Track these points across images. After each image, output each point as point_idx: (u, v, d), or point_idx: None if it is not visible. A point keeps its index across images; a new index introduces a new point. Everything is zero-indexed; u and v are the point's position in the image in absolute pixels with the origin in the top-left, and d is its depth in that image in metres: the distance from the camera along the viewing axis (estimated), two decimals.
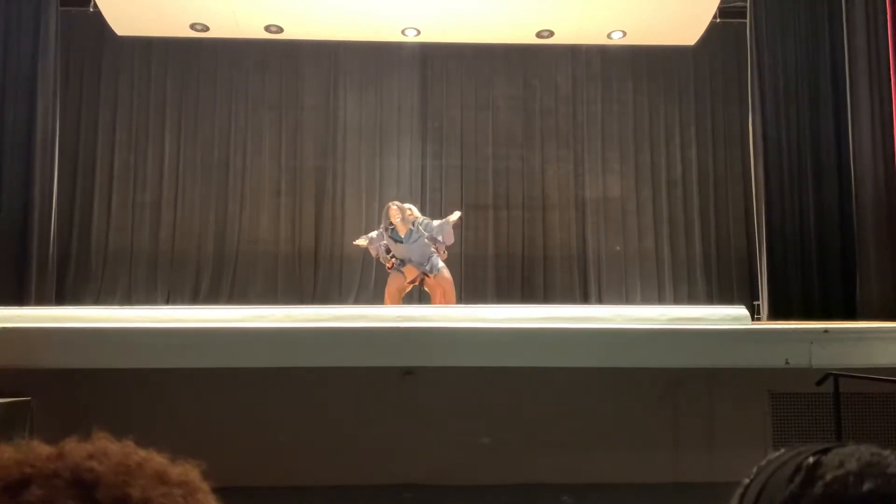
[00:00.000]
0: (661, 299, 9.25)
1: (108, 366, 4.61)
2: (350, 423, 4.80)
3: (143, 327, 4.98)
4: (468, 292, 8.89)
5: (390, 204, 6.95)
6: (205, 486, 0.64)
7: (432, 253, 6.79)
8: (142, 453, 0.63)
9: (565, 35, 9.19)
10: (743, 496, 0.62)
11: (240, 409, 4.78)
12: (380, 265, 8.94)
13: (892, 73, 6.89)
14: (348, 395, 4.83)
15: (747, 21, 8.40)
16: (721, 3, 8.68)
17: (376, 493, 4.56)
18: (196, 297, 9.06)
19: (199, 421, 4.60)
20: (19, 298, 7.27)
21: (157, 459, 0.63)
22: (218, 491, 0.66)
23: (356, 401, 4.83)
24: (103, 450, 0.61)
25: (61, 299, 8.37)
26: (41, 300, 7.69)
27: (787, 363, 4.69)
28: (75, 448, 0.61)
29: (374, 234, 7.15)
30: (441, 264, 6.86)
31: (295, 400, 4.86)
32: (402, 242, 6.71)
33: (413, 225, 6.75)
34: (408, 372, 4.72)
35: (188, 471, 0.64)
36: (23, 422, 4.19)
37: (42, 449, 0.61)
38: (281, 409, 4.83)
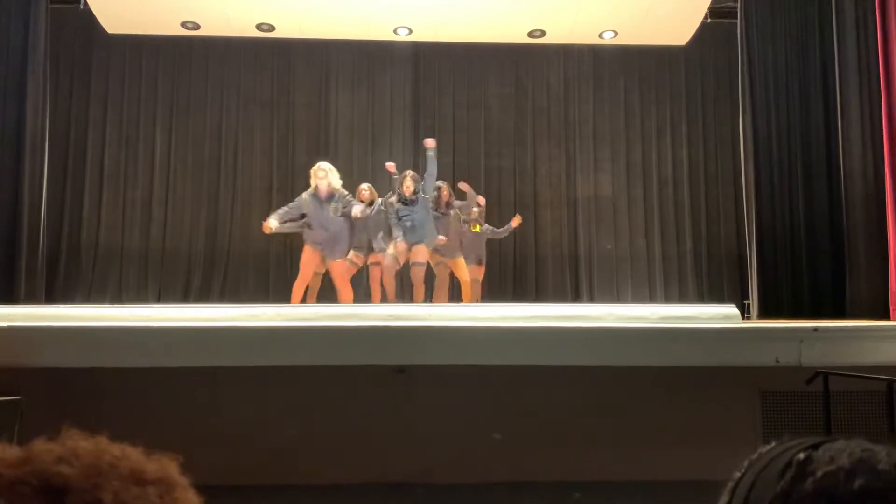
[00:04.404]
0: (651, 298, 9.28)
1: (99, 364, 4.59)
2: (342, 422, 4.80)
3: (133, 326, 4.96)
4: (459, 291, 8.87)
5: (407, 173, 7.10)
6: (183, 482, 0.61)
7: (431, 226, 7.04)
8: (115, 451, 0.59)
9: (557, 34, 9.20)
10: (734, 491, 0.62)
11: (231, 408, 4.76)
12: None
13: (881, 72, 6.93)
14: (340, 394, 4.82)
15: (738, 21, 8.43)
16: (712, 3, 8.71)
17: (369, 492, 4.55)
18: (187, 295, 9.03)
19: (190, 420, 4.59)
20: (9, 297, 7.22)
21: (131, 457, 0.59)
22: (211, 490, 0.64)
23: (348, 399, 4.83)
24: (73, 451, 0.57)
25: (51, 298, 8.33)
26: (31, 298, 7.64)
27: (776, 361, 4.71)
28: (43, 450, 0.57)
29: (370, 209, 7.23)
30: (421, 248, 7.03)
31: (287, 398, 4.85)
32: (411, 205, 6.94)
33: (416, 193, 7.06)
34: (400, 370, 4.72)
35: (165, 466, 0.60)
36: (13, 421, 4.16)
37: (8, 453, 0.57)
38: (273, 407, 4.82)
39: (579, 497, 4.40)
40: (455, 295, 7.91)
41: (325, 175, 6.76)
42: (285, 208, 7.07)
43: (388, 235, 6.98)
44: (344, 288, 6.95)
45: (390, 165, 7.41)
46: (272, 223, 6.88)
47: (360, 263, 7.27)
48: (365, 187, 7.32)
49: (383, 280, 7.13)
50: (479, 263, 7.75)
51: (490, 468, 4.73)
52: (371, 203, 7.16)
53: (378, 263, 7.19)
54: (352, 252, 7.24)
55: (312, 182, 6.80)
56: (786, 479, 0.58)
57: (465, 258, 7.44)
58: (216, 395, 4.78)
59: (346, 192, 6.93)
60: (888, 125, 6.85)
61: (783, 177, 8.19)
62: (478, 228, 7.79)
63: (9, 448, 0.58)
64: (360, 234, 7.18)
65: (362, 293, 7.76)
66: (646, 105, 9.78)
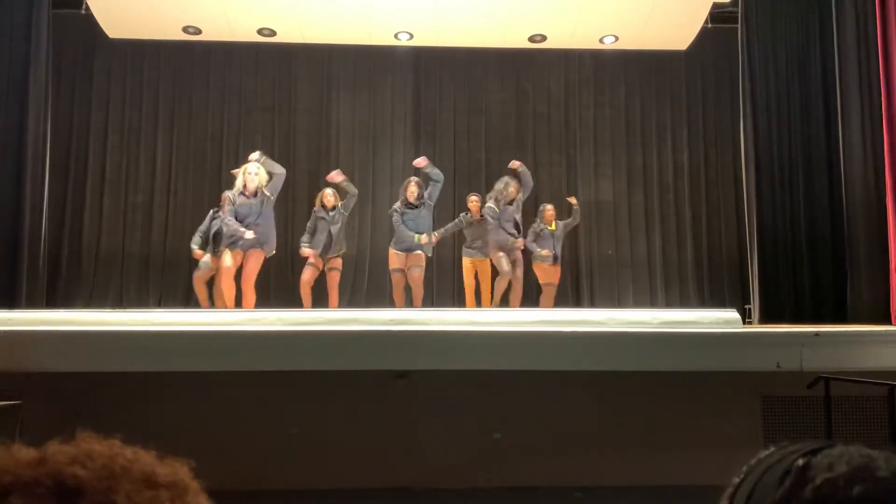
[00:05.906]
0: (652, 302, 9.27)
1: (100, 369, 4.59)
2: (344, 427, 4.79)
3: (134, 330, 4.96)
4: (461, 295, 8.87)
5: (411, 179, 7.53)
6: (195, 486, 0.62)
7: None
8: (128, 454, 0.60)
9: (558, 40, 9.21)
10: (733, 496, 0.62)
11: (232, 413, 4.76)
12: (372, 268, 8.97)
13: (881, 76, 6.94)
14: (341, 399, 4.82)
15: (738, 26, 8.43)
16: (713, 8, 8.72)
17: (370, 496, 4.55)
18: (188, 300, 9.02)
19: (191, 425, 4.58)
20: (10, 301, 7.21)
21: (144, 460, 0.60)
22: (212, 495, 0.65)
23: (349, 404, 4.82)
24: (87, 453, 0.59)
25: (52, 302, 8.33)
26: (32, 303, 7.64)
27: (778, 366, 4.70)
28: (58, 452, 0.58)
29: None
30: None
31: (288, 403, 4.85)
32: (416, 208, 7.33)
33: (420, 198, 7.44)
34: (401, 375, 4.72)
35: (177, 470, 0.61)
36: (13, 426, 4.16)
37: (23, 454, 0.58)
38: (273, 412, 4.82)
39: (579, 496, 4.40)
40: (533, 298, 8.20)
41: (257, 172, 6.87)
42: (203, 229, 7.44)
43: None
44: (249, 289, 6.93)
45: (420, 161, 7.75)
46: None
47: (320, 266, 7.36)
48: (329, 192, 7.59)
49: (393, 296, 7.23)
50: (555, 262, 8.11)
51: (491, 473, 4.73)
52: (333, 207, 7.46)
53: (336, 269, 7.32)
54: (312, 255, 7.32)
55: (240, 180, 6.88)
56: (785, 485, 0.58)
57: (544, 257, 7.94)
58: (216, 400, 4.78)
59: (269, 193, 7.00)
60: (889, 129, 6.85)
61: (784, 181, 8.20)
62: (554, 227, 8.18)
63: (24, 449, 0.59)
64: (321, 238, 7.28)
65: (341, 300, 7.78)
66: (646, 110, 9.78)
